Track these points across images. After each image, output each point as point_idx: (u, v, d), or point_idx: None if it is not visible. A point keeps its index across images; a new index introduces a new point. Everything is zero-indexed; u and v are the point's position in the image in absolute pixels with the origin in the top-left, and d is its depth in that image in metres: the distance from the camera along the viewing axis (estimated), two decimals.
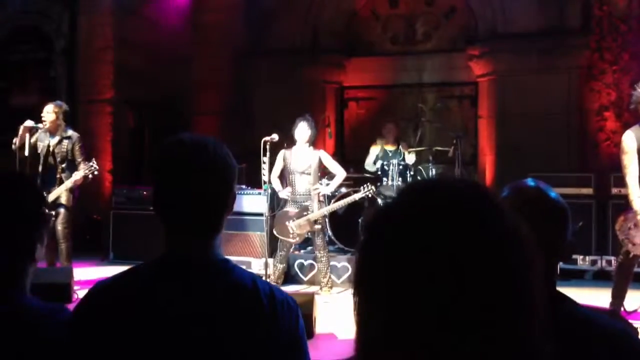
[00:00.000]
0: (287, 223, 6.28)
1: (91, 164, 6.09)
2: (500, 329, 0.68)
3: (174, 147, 1.45)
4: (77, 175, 6.06)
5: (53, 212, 6.01)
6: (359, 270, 0.75)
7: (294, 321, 1.40)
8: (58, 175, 6.16)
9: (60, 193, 6.08)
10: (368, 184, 6.44)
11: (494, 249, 0.69)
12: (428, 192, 0.75)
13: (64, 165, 6.19)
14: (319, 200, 6.38)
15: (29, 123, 6.07)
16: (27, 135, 6.03)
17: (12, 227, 1.55)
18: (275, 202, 6.76)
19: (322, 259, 6.41)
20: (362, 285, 0.75)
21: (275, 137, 6.08)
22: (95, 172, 6.10)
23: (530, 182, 1.56)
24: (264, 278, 5.85)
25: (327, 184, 6.59)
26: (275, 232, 6.35)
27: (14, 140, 6.06)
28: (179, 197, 1.40)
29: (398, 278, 0.69)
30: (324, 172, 6.60)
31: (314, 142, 6.42)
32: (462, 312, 0.67)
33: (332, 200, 6.79)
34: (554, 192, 1.53)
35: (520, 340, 0.69)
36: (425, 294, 0.68)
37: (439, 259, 0.68)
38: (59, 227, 6.10)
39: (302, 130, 6.23)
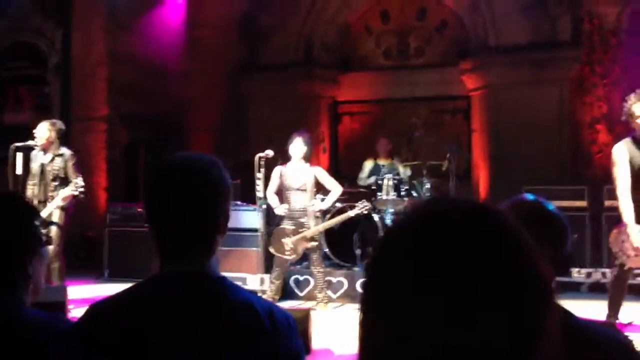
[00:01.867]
0: (283, 240, 6.27)
1: (76, 181, 6.01)
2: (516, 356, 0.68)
3: (165, 168, 1.45)
4: (64, 193, 5.97)
5: (44, 231, 5.95)
6: (368, 291, 0.75)
7: (293, 339, 1.40)
8: (50, 194, 6.10)
9: (51, 211, 6.03)
10: (364, 200, 6.44)
11: (513, 279, 0.69)
12: (442, 216, 0.74)
13: (56, 184, 6.12)
14: (315, 217, 6.37)
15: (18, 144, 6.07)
16: (20, 154, 6.00)
17: (5, 244, 1.57)
18: (271, 219, 6.75)
19: (318, 275, 6.39)
20: (370, 304, 0.74)
21: (270, 153, 6.08)
22: (81, 190, 6.00)
23: (529, 196, 1.58)
24: (259, 294, 5.83)
25: (323, 199, 6.59)
26: (271, 250, 6.33)
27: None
28: (171, 218, 1.40)
29: (411, 300, 0.69)
30: (319, 188, 6.60)
31: (309, 158, 6.41)
32: (474, 339, 0.66)
33: (328, 216, 6.78)
34: (553, 206, 1.54)
35: None
36: (438, 319, 0.67)
37: (455, 286, 0.67)
38: (50, 246, 6.05)
39: (298, 147, 6.21)
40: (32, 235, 1.64)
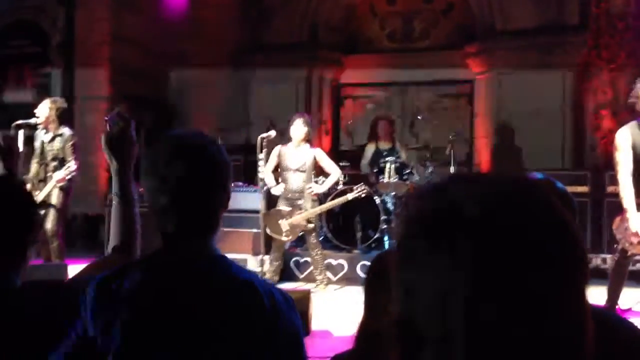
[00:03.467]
0: (279, 221, 6.26)
1: (69, 165, 5.99)
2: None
3: (163, 143, 1.44)
4: (59, 175, 5.95)
5: (43, 211, 5.97)
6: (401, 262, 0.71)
7: (293, 319, 1.40)
8: (49, 174, 6.09)
9: (49, 191, 6.02)
10: (362, 184, 6.42)
11: (562, 255, 0.67)
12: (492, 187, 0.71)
13: (55, 164, 6.11)
14: (312, 200, 6.36)
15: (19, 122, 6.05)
16: (21, 132, 5.99)
17: (3, 229, 1.58)
18: (272, 200, 6.74)
19: (317, 257, 6.39)
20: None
21: (272, 134, 6.06)
22: (73, 174, 5.98)
23: (538, 175, 1.56)
24: (259, 276, 5.84)
25: (323, 182, 6.57)
26: (267, 231, 6.32)
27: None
28: (171, 195, 1.39)
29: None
30: (319, 171, 6.58)
31: (310, 140, 6.38)
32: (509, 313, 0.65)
33: (329, 199, 6.77)
34: (562, 185, 1.52)
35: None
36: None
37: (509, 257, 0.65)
38: (48, 226, 6.05)
39: (298, 128, 6.18)
40: (30, 219, 1.65)
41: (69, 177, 5.92)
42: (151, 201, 1.41)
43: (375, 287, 1.68)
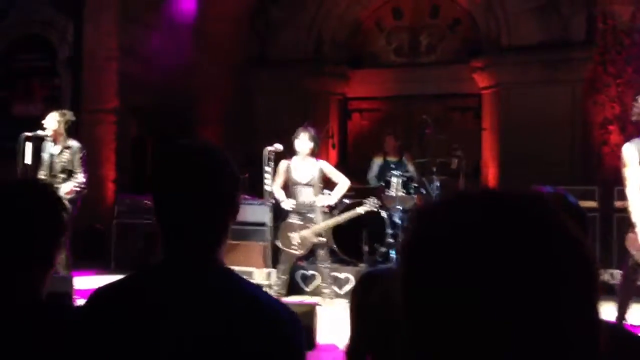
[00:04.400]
0: (290, 235, 6.24)
1: (77, 177, 5.99)
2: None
3: (171, 155, 1.44)
4: (66, 188, 5.97)
5: None
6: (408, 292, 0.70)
7: (296, 335, 1.38)
8: (57, 185, 6.11)
9: None
10: (373, 197, 6.39)
11: (568, 266, 0.66)
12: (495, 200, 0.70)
13: (63, 176, 6.13)
14: (323, 212, 6.34)
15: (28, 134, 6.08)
16: (28, 143, 6.02)
17: (33, 234, 1.56)
18: (279, 213, 6.73)
19: (325, 271, 6.37)
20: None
21: (279, 147, 6.06)
22: (81, 187, 5.99)
23: (548, 188, 1.54)
24: (265, 289, 5.82)
25: (329, 194, 6.55)
26: (278, 244, 6.31)
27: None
28: (176, 205, 1.38)
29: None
30: (327, 183, 6.57)
31: (317, 153, 6.36)
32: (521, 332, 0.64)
33: (338, 212, 6.75)
34: (573, 198, 1.51)
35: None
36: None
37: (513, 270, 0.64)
38: None
39: (303, 142, 6.17)
40: (60, 227, 1.64)
41: (77, 189, 5.93)
42: (158, 214, 1.40)
43: (362, 309, 1.66)
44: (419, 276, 0.69)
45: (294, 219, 6.29)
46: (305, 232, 6.20)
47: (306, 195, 6.25)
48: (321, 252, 6.31)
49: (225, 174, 1.41)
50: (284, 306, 1.42)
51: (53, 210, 1.62)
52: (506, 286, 0.63)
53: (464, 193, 0.73)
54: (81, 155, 6.15)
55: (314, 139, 6.18)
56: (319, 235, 6.24)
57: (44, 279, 1.60)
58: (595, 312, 0.68)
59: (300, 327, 1.40)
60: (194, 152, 1.43)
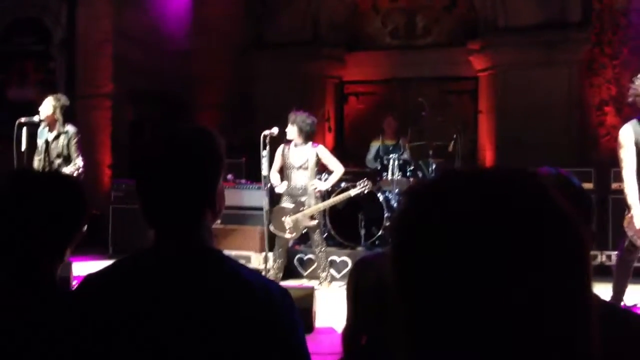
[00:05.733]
0: (283, 219, 6.26)
1: (76, 162, 5.99)
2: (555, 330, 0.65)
3: (153, 142, 1.46)
4: (66, 172, 5.97)
5: None
6: (397, 273, 0.69)
7: (291, 315, 1.37)
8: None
9: None
10: (365, 179, 6.40)
11: (555, 243, 0.66)
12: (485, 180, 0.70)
13: (59, 161, 6.12)
14: (316, 197, 6.35)
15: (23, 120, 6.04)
16: (24, 129, 6.00)
17: (52, 226, 1.59)
18: (276, 197, 6.74)
19: (320, 254, 6.40)
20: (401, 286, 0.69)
21: (275, 131, 6.05)
22: (80, 171, 5.98)
23: (550, 169, 1.53)
24: (263, 273, 5.84)
25: (326, 179, 6.55)
26: (271, 227, 6.32)
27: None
28: (156, 188, 1.40)
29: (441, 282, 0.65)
30: (323, 167, 6.57)
31: (312, 137, 6.33)
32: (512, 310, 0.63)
33: (332, 195, 6.77)
34: (577, 180, 1.50)
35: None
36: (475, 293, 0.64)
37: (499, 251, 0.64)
38: None
39: (289, 128, 6.15)
40: (81, 222, 1.66)
41: (76, 173, 5.92)
42: (141, 197, 1.41)
43: (357, 292, 1.67)
44: (408, 256, 0.68)
45: (286, 203, 6.31)
46: (298, 216, 6.22)
47: (300, 179, 6.26)
48: (314, 236, 6.33)
49: (204, 158, 1.41)
50: (277, 286, 1.42)
51: (81, 202, 1.65)
52: (494, 262, 0.63)
53: (451, 172, 0.72)
54: (76, 139, 6.13)
55: (297, 123, 6.13)
56: (312, 218, 6.25)
57: (58, 267, 1.62)
58: (586, 289, 0.68)
59: (294, 307, 1.39)
60: (174, 138, 1.44)
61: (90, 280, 1.42)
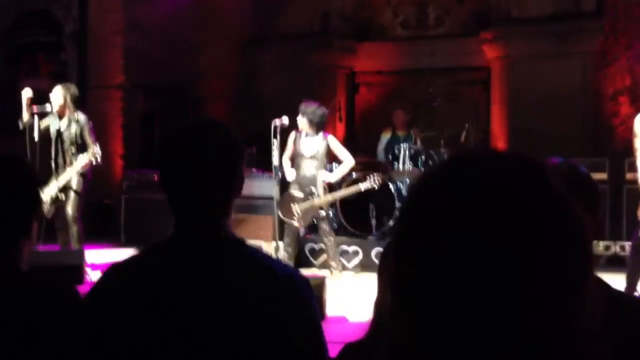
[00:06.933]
0: (292, 205, 6.25)
1: (94, 148, 6.02)
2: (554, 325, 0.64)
3: (176, 131, 1.48)
4: (83, 161, 5.99)
5: (63, 196, 6.02)
6: (398, 264, 0.69)
7: (311, 303, 1.39)
8: (68, 159, 6.13)
9: (70, 177, 6.06)
10: (375, 173, 6.34)
11: (556, 232, 0.64)
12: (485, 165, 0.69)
13: (73, 149, 6.15)
14: (324, 186, 6.33)
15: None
16: (37, 118, 6.02)
17: (5, 205, 1.59)
18: (286, 186, 6.74)
19: (329, 244, 6.37)
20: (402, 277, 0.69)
21: (285, 120, 6.04)
22: (98, 157, 6.00)
23: (559, 159, 1.53)
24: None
25: (335, 170, 6.51)
26: (280, 215, 6.31)
27: (22, 116, 6.05)
28: (182, 180, 1.41)
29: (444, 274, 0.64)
30: (333, 157, 6.55)
31: (323, 127, 6.29)
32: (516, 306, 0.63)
33: (343, 185, 6.74)
34: (585, 169, 1.49)
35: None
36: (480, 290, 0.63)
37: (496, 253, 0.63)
38: (69, 211, 6.09)
39: (299, 118, 6.13)
40: (32, 198, 1.67)
41: (94, 160, 5.95)
42: (165, 190, 1.43)
43: (384, 275, 1.70)
44: (409, 242, 0.68)
45: (295, 191, 6.29)
46: (306, 204, 6.20)
47: (309, 168, 6.24)
48: (323, 226, 6.31)
49: (226, 146, 1.44)
50: (299, 275, 1.45)
51: (30, 183, 1.67)
52: (494, 250, 0.63)
53: (457, 159, 0.72)
54: (89, 127, 6.17)
55: (307, 114, 6.09)
56: (320, 208, 6.24)
57: (24, 251, 1.62)
58: (586, 275, 0.66)
59: (313, 294, 1.42)
60: (196, 128, 1.47)
61: (116, 268, 1.43)
